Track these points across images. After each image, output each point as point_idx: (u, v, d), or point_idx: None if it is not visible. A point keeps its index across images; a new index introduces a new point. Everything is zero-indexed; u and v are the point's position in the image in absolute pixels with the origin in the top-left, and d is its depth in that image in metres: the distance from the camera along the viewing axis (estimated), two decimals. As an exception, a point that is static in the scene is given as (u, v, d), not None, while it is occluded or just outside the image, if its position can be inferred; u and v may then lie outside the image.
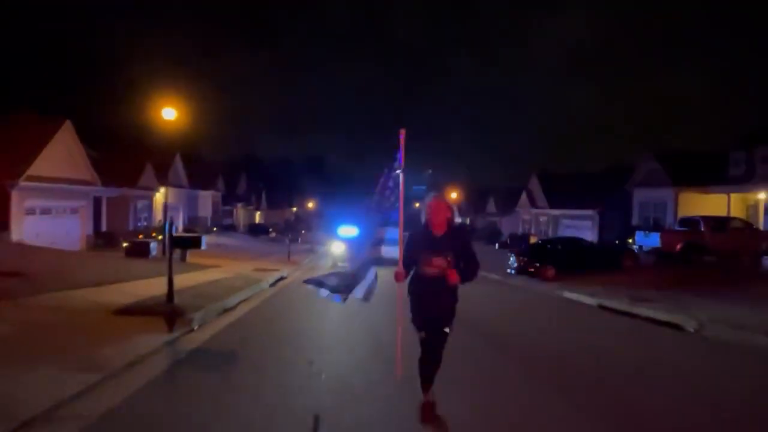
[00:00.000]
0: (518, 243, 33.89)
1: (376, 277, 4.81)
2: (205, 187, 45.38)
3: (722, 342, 8.17)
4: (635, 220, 28.73)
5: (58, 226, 22.74)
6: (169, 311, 7.91)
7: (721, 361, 7.17)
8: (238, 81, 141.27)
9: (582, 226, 35.23)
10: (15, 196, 19.91)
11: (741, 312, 10.06)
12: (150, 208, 33.90)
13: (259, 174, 69.25)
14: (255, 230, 53.54)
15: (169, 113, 16.21)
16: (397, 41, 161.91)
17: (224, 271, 17.36)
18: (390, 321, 6.50)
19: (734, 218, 21.55)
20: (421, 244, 4.26)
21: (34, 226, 20.84)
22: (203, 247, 8.69)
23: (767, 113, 49.94)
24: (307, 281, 5.00)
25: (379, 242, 18.82)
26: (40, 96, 42.36)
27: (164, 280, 8.86)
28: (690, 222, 20.66)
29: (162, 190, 33.30)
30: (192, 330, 7.89)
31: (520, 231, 44.11)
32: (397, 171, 4.84)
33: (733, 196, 23.92)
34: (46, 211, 22.24)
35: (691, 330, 8.99)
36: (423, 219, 4.34)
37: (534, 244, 25.30)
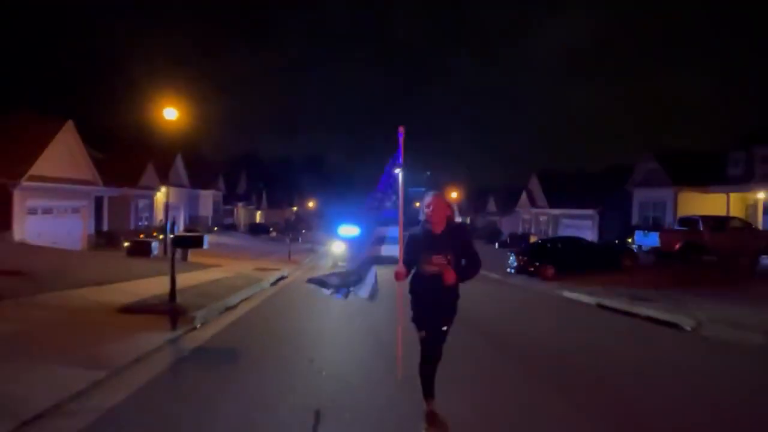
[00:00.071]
0: (518, 242, 34.00)
1: (376, 276, 4.83)
2: (205, 187, 45.41)
3: (721, 341, 8.19)
4: (635, 220, 28.76)
5: (60, 226, 22.77)
6: (171, 310, 7.94)
7: (721, 360, 7.19)
8: (238, 81, 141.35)
9: (582, 226, 35.25)
10: (17, 195, 19.97)
11: (740, 311, 10.09)
12: (151, 207, 33.95)
13: (260, 173, 69.23)
14: (255, 230, 53.46)
15: (170, 113, 16.27)
16: (397, 41, 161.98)
17: (225, 270, 17.41)
18: (390, 320, 6.54)
19: (733, 218, 21.57)
20: (421, 242, 4.26)
21: (36, 226, 20.88)
22: (205, 246, 8.71)
23: (767, 113, 50.03)
24: (310, 280, 5.12)
25: (380, 241, 18.82)
26: (41, 96, 42.51)
27: (166, 280, 8.88)
28: (689, 222, 20.66)
29: (163, 189, 33.27)
30: (194, 328, 7.96)
31: (520, 231, 44.19)
32: (397, 170, 4.86)
33: (732, 195, 23.97)
34: (47, 211, 22.27)
35: (691, 329, 9.02)
36: (421, 216, 4.32)
37: (534, 243, 25.33)
